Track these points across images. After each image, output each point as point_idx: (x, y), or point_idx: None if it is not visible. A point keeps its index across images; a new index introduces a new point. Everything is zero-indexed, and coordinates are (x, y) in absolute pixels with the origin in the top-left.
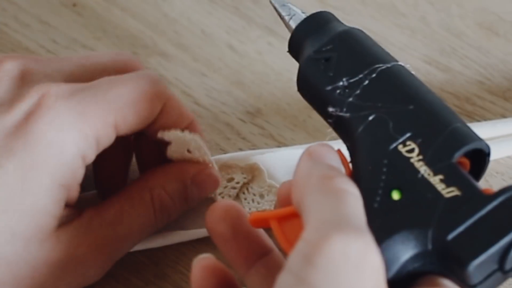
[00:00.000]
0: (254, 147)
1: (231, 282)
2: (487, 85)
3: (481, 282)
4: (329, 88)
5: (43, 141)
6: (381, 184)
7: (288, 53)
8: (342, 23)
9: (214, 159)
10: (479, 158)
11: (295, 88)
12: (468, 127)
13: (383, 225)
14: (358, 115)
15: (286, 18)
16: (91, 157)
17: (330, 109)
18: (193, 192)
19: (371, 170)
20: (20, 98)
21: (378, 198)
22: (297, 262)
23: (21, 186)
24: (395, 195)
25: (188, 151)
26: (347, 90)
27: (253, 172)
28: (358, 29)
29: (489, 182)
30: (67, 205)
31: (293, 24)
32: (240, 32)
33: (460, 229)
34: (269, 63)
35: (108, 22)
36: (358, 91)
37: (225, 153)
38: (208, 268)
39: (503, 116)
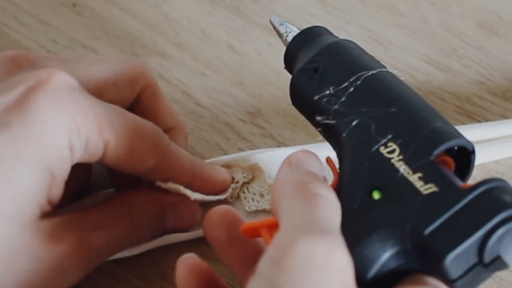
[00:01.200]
0: (254, 147)
1: (215, 281)
2: (487, 85)
3: (461, 277)
4: (316, 97)
5: (39, 118)
6: (362, 185)
7: None
8: (334, 36)
9: (215, 160)
10: (464, 156)
11: None
12: (450, 126)
13: (362, 225)
14: (343, 121)
15: (284, 35)
16: (77, 155)
17: (318, 118)
18: (170, 220)
19: (353, 172)
20: (28, 76)
21: (358, 199)
22: (266, 266)
23: (10, 162)
24: (376, 195)
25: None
26: (333, 98)
27: (253, 172)
28: (348, 41)
29: None
30: (50, 202)
31: (289, 41)
32: (240, 32)
33: (437, 223)
34: (269, 63)
35: (108, 22)
36: (343, 98)
37: (225, 153)
38: (191, 267)
39: (503, 116)
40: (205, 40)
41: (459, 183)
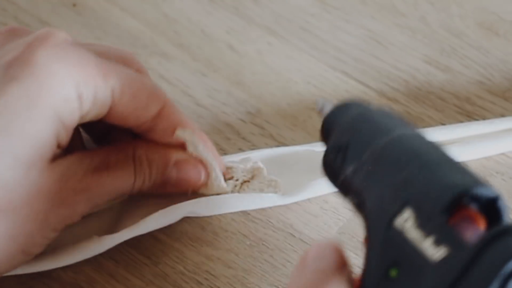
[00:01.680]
0: (254, 147)
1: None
2: (487, 85)
3: None
4: (342, 177)
5: (47, 71)
6: (380, 265)
7: (288, 53)
8: (364, 107)
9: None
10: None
11: (295, 88)
12: (468, 175)
13: None
14: (364, 198)
15: (322, 114)
16: (87, 106)
17: (347, 198)
18: (172, 174)
19: (371, 252)
20: (26, 38)
21: (376, 281)
22: None
23: (26, 112)
24: (393, 273)
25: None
26: (355, 176)
27: (253, 171)
28: (369, 109)
29: (489, 182)
30: (59, 146)
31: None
32: (240, 32)
33: None
34: (269, 63)
35: (108, 22)
36: (363, 174)
37: (225, 153)
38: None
39: (503, 116)
40: (205, 40)
41: (469, 240)
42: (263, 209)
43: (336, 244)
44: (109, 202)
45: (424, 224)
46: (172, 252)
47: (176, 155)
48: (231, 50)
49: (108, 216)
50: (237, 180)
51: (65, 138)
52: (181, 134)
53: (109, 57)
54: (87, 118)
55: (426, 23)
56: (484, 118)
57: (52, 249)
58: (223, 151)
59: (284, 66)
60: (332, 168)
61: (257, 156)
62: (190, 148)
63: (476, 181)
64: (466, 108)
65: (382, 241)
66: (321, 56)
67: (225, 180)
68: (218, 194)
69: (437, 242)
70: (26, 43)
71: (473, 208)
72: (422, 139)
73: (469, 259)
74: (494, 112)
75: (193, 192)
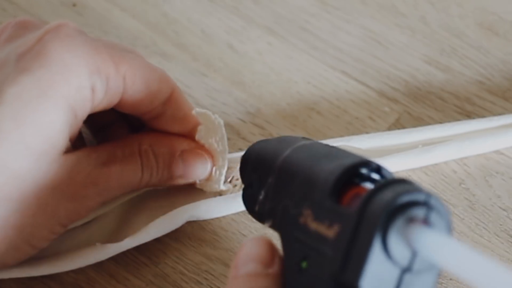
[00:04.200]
0: None
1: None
2: (487, 85)
3: None
4: (256, 208)
5: (59, 61)
6: (293, 260)
7: (288, 53)
8: (262, 141)
9: None
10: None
11: (295, 88)
12: (351, 156)
13: None
14: (275, 215)
15: None
16: (99, 95)
17: (265, 223)
18: (179, 165)
19: (286, 252)
20: (37, 32)
21: (293, 275)
22: None
23: (38, 102)
24: (304, 265)
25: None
26: (266, 202)
27: None
28: (265, 141)
29: (489, 182)
30: (71, 139)
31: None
32: (240, 32)
33: (342, 260)
34: (269, 63)
35: (108, 22)
36: (269, 197)
37: None
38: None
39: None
40: (205, 40)
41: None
42: None
43: (263, 238)
44: (118, 199)
45: (319, 213)
46: (172, 252)
47: (181, 146)
48: (231, 50)
49: (110, 221)
50: (237, 179)
51: (76, 130)
52: (199, 113)
53: (116, 48)
54: (99, 108)
55: (426, 23)
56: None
57: (54, 253)
58: None
59: (284, 66)
60: (250, 201)
61: None
62: (199, 134)
63: (358, 160)
64: (466, 108)
65: (293, 241)
66: (321, 56)
67: (225, 180)
68: (218, 192)
69: (331, 224)
70: (38, 35)
71: (366, 185)
72: (312, 146)
73: (354, 223)
74: (494, 112)
75: (193, 187)
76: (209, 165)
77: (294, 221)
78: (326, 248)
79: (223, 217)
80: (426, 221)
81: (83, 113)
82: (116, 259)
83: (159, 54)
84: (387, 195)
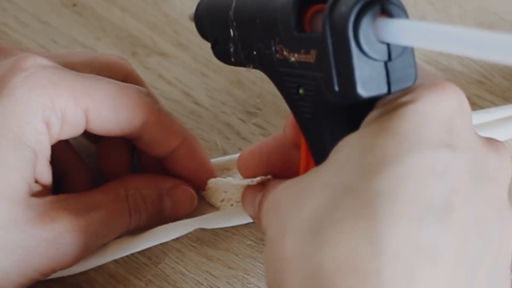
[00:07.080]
0: None
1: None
2: (487, 85)
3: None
4: (233, 59)
5: (11, 97)
6: (291, 89)
7: None
8: None
9: (213, 161)
10: None
11: None
12: None
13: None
14: (254, 63)
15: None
16: (55, 129)
17: (248, 67)
18: (167, 204)
19: (280, 83)
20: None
21: (296, 101)
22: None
23: None
24: (301, 91)
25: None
26: (239, 50)
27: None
28: None
29: None
30: (38, 180)
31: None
32: None
33: (335, 74)
34: None
35: (108, 22)
36: (239, 44)
37: (225, 153)
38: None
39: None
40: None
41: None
42: None
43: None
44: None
45: (292, 45)
46: (172, 252)
47: (167, 184)
48: None
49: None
50: (230, 199)
51: (41, 167)
52: (214, 185)
53: (94, 67)
54: (63, 137)
55: None
56: None
57: None
58: (223, 151)
59: None
60: (223, 56)
61: None
62: (208, 194)
63: None
64: None
65: (282, 76)
66: None
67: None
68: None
69: (307, 50)
70: (0, 73)
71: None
72: None
73: (326, 40)
74: None
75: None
76: (195, 199)
77: (272, 59)
78: (314, 71)
79: None
80: (388, 14)
81: (43, 148)
82: (116, 259)
83: (159, 54)
84: (344, 2)
